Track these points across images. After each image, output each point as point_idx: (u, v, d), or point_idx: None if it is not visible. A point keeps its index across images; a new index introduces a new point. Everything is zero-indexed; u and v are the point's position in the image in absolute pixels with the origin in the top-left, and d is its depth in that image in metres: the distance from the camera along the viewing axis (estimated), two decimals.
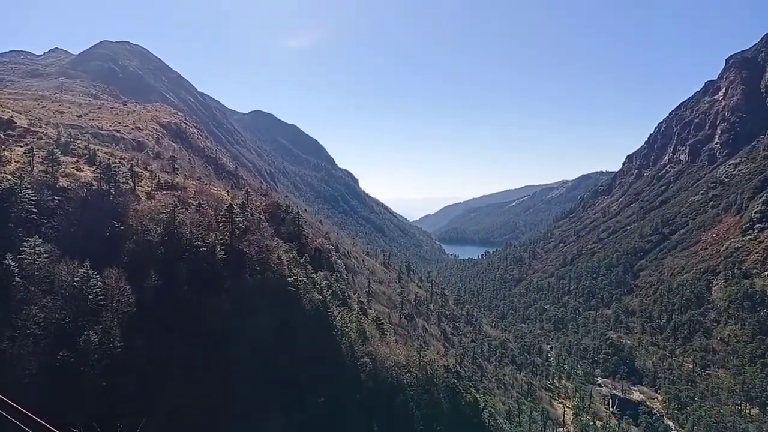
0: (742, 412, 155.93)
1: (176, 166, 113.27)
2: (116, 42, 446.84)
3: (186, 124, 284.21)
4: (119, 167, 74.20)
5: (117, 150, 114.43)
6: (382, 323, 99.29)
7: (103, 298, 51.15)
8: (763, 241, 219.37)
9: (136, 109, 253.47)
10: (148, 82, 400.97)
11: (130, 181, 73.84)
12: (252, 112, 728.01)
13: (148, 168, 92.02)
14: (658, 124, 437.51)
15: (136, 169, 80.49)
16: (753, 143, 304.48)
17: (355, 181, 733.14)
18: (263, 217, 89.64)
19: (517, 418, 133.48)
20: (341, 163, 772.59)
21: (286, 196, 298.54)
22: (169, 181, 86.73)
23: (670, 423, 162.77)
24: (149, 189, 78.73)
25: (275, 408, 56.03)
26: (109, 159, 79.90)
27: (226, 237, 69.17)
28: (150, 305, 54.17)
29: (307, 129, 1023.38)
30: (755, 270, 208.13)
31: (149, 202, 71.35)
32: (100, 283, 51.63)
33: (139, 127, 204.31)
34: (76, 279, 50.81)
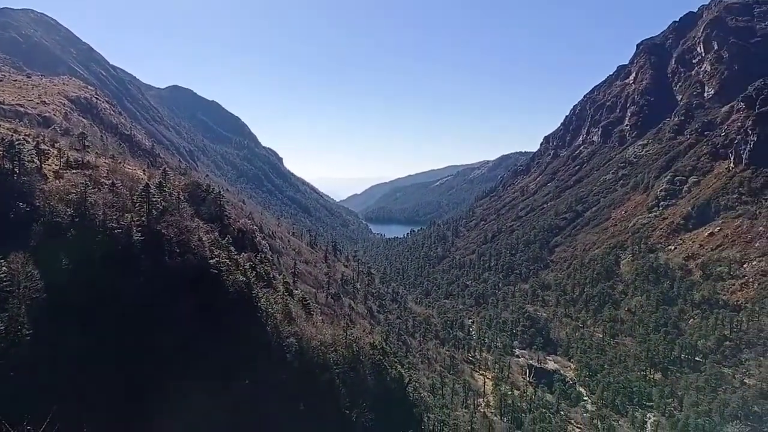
0: (647, 377, 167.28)
1: (87, 144, 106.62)
2: (19, 9, 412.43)
3: (97, 98, 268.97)
4: (24, 144, 69.18)
5: (21, 126, 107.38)
6: (309, 303, 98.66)
7: (9, 285, 48.07)
8: (666, 218, 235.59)
9: (42, 83, 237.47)
10: (55, 54, 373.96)
11: (36, 160, 69.04)
12: (169, 87, 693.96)
13: (56, 145, 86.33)
14: (574, 106, 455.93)
15: (43, 147, 75.31)
16: (660, 125, 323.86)
17: (280, 160, 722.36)
18: (182, 197, 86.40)
19: (440, 391, 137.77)
20: (264, 142, 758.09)
21: (207, 175, 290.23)
22: (79, 159, 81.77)
23: (581, 389, 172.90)
24: (57, 168, 73.94)
25: (198, 393, 54.83)
26: (12, 135, 74.45)
27: (143, 218, 66.35)
28: (61, 290, 51.33)
29: (228, 106, 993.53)
30: (659, 245, 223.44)
31: (57, 181, 67.11)
32: (5, 268, 48.42)
33: (45, 101, 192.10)
34: None
